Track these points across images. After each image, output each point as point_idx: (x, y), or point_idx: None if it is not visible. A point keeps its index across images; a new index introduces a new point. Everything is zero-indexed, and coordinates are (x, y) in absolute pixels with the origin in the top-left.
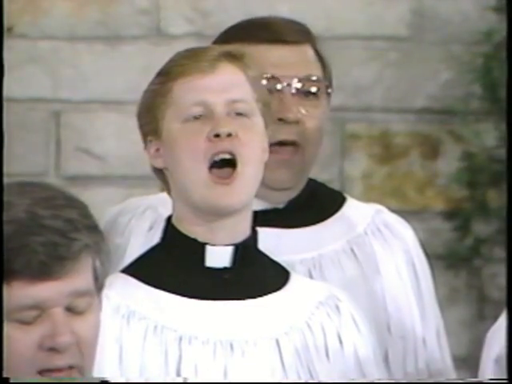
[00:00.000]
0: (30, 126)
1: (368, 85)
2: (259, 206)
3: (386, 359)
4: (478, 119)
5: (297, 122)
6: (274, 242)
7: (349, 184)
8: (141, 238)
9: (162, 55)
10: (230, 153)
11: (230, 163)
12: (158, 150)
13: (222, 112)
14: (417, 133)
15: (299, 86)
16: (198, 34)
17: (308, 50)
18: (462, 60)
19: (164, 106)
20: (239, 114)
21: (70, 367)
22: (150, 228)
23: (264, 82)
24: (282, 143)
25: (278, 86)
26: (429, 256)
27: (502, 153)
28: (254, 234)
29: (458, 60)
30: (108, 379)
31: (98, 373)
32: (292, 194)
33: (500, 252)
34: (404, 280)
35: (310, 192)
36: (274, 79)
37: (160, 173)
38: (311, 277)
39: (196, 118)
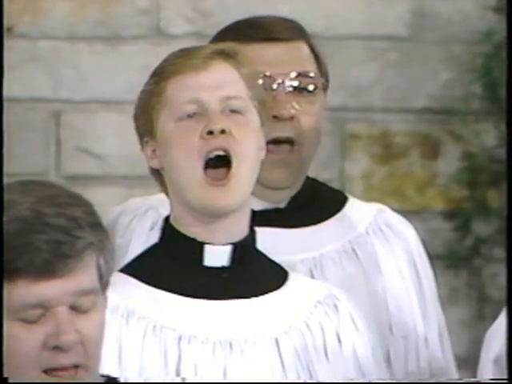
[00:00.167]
0: (30, 125)
1: (368, 85)
2: (260, 205)
3: (387, 359)
4: (478, 119)
5: (291, 119)
6: (275, 241)
7: (349, 184)
8: (142, 238)
9: (162, 55)
10: (224, 150)
11: (224, 161)
12: (154, 150)
13: (215, 109)
14: (417, 133)
15: (293, 83)
16: (197, 33)
17: (302, 47)
18: (462, 60)
19: (159, 106)
20: (233, 111)
21: (75, 366)
22: (152, 228)
23: (260, 80)
24: (277, 141)
25: (272, 84)
26: (430, 256)
27: (502, 153)
28: (252, 233)
29: (458, 60)
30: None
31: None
32: (290, 193)
33: (500, 252)
34: (406, 280)
35: (311, 191)
36: (267, 77)
37: (157, 174)
38: (312, 276)
39: (190, 116)
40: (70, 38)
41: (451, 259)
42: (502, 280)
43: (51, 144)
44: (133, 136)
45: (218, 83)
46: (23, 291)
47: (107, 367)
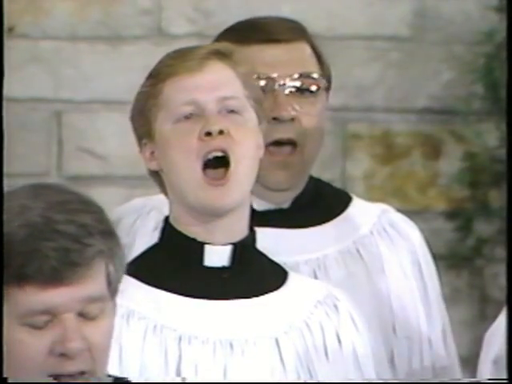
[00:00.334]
0: (31, 126)
1: (370, 85)
2: (263, 206)
3: (391, 359)
4: (479, 119)
5: (292, 120)
6: (278, 242)
7: (350, 184)
8: (146, 238)
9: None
10: (223, 150)
11: (223, 161)
12: (152, 152)
13: (212, 110)
14: (418, 133)
15: (294, 84)
16: (199, 34)
17: (304, 48)
18: (463, 60)
19: (155, 108)
20: (231, 112)
21: (82, 373)
22: (155, 228)
23: (262, 82)
24: (278, 143)
25: (273, 86)
26: (434, 256)
27: (504, 153)
28: (252, 233)
29: (459, 60)
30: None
31: None
32: (292, 195)
33: (502, 252)
34: (409, 280)
35: (315, 192)
36: (268, 79)
37: (156, 175)
38: (316, 277)
39: (187, 117)
40: (71, 38)
41: (453, 259)
42: (504, 280)
43: (53, 144)
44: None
45: (214, 84)
46: (31, 297)
47: (108, 367)
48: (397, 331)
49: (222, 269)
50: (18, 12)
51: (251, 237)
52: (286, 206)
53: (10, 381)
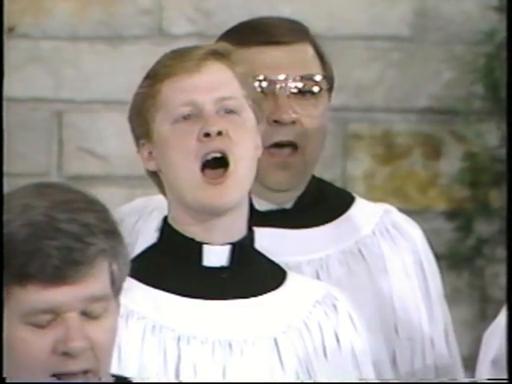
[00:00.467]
0: (32, 125)
1: (370, 85)
2: (266, 206)
3: (393, 360)
4: (480, 119)
5: (293, 123)
6: (281, 242)
7: (351, 184)
8: (148, 239)
9: None
10: (221, 152)
11: (221, 162)
12: (150, 153)
13: (211, 111)
14: (419, 133)
15: (295, 86)
16: (200, 34)
17: (306, 49)
18: (464, 60)
19: (153, 108)
20: (229, 112)
21: (85, 372)
22: (158, 228)
23: (263, 84)
24: (278, 145)
25: (274, 88)
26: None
27: (504, 153)
28: (251, 233)
29: (460, 60)
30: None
31: None
32: (293, 195)
33: (502, 252)
34: (412, 280)
35: (317, 192)
36: (269, 81)
37: (154, 175)
38: (318, 277)
39: (185, 118)
40: (72, 38)
41: (453, 259)
42: (504, 280)
43: (53, 144)
44: None
45: (212, 84)
46: (34, 296)
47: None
48: (399, 331)
49: (221, 269)
50: (18, 12)
51: (250, 237)
52: (288, 206)
53: (8, 381)
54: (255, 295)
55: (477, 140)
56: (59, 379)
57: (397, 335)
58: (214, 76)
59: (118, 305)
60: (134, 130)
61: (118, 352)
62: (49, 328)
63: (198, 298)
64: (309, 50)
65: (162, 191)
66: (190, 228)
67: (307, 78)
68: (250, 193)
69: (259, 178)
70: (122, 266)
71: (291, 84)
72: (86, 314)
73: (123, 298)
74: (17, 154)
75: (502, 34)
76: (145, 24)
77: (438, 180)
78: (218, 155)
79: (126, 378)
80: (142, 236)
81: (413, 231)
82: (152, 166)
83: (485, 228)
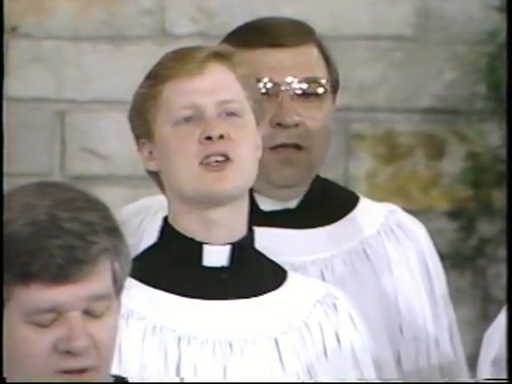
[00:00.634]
0: (34, 125)
1: (372, 85)
2: (270, 206)
3: (398, 360)
4: (482, 119)
5: (296, 125)
6: (286, 242)
7: (353, 184)
8: (153, 239)
9: None
10: (223, 154)
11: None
12: (151, 152)
13: (212, 113)
14: (421, 133)
15: (299, 88)
16: (202, 34)
17: (310, 51)
18: (466, 60)
19: (154, 109)
20: (230, 114)
21: (86, 369)
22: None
23: (268, 85)
24: (282, 145)
25: (278, 90)
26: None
27: None
28: (251, 232)
29: (462, 60)
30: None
31: None
32: (298, 191)
33: (505, 252)
34: (417, 281)
35: (322, 192)
36: (273, 83)
37: (154, 175)
38: (323, 277)
39: (187, 120)
40: (74, 38)
41: (455, 259)
42: None
43: (56, 144)
44: None
45: (214, 87)
46: (36, 295)
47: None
48: (404, 331)
49: (221, 269)
50: (20, 12)
51: (250, 237)
52: (292, 206)
53: (8, 381)
54: (255, 295)
55: (479, 140)
56: (60, 376)
57: (401, 335)
58: (215, 78)
59: (119, 303)
60: (133, 129)
61: (118, 352)
62: (51, 327)
63: (198, 298)
64: (314, 52)
65: (163, 191)
66: (190, 227)
67: (312, 80)
68: (251, 193)
69: (264, 175)
70: (123, 264)
71: (295, 86)
72: (89, 313)
73: (123, 298)
74: (19, 154)
75: (505, 34)
76: (147, 24)
77: (440, 180)
78: (220, 158)
79: (123, 378)
80: (146, 236)
81: (418, 231)
82: (152, 166)
83: (487, 228)
